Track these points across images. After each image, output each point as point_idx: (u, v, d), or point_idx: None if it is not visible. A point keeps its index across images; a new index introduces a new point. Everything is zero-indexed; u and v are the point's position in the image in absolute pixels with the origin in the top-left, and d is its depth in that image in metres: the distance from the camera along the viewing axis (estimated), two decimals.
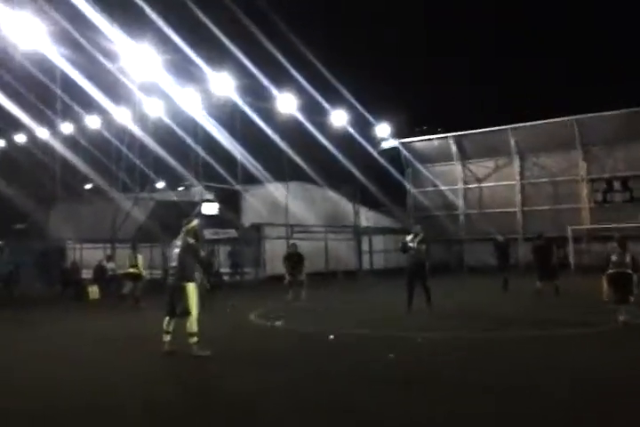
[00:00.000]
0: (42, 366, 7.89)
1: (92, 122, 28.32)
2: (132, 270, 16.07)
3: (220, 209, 26.67)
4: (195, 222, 8.61)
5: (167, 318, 8.16)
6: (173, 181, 31.07)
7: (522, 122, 31.64)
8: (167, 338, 8.11)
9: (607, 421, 4.90)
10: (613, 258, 9.85)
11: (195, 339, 7.95)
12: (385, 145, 34.25)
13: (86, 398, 5.95)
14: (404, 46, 37.58)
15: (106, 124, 27.62)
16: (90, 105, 25.41)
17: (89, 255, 25.71)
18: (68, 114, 28.53)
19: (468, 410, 5.24)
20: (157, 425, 5.13)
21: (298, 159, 28.51)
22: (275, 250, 27.23)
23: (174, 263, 8.22)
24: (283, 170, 28.53)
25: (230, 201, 26.95)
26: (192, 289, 8.07)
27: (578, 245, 29.30)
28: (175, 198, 27.49)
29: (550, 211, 30.92)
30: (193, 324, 7.96)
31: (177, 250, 8.27)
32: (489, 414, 5.12)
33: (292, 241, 21.00)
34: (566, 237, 28.63)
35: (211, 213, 26.35)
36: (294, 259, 16.00)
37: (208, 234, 24.99)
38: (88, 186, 33.00)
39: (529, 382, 6.19)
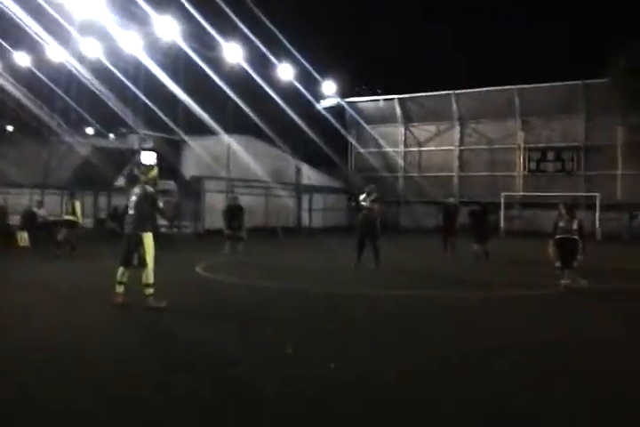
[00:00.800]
0: None
1: (23, 59, 26.34)
2: (68, 217, 15.37)
3: (159, 159, 25.87)
4: (155, 171, 8.22)
5: (122, 268, 7.84)
6: (111, 126, 29.62)
7: (466, 88, 32.09)
8: (120, 289, 7.81)
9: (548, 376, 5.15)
10: (561, 224, 10.20)
11: (150, 290, 7.70)
12: (328, 102, 33.83)
13: (39, 355, 5.57)
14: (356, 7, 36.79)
15: (39, 62, 25.76)
16: (24, 42, 23.57)
17: (13, 201, 24.35)
18: None
19: (415, 366, 5.39)
20: (118, 383, 4.93)
21: (242, 112, 27.80)
22: (215, 204, 26.78)
23: (132, 212, 7.86)
24: (226, 122, 27.75)
25: (170, 151, 26.07)
26: (149, 240, 7.78)
27: (509, 211, 30.48)
28: (112, 145, 26.29)
29: (486, 177, 31.88)
30: (149, 275, 7.70)
31: (134, 198, 7.89)
32: (432, 370, 5.27)
33: (232, 194, 20.70)
34: (499, 202, 29.70)
35: (149, 163, 25.52)
36: (234, 212, 15.76)
37: None
38: (10, 127, 30.88)
39: (498, 343, 6.42)
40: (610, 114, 27.35)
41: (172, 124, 25.14)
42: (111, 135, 30.66)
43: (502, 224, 29.76)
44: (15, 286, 10.03)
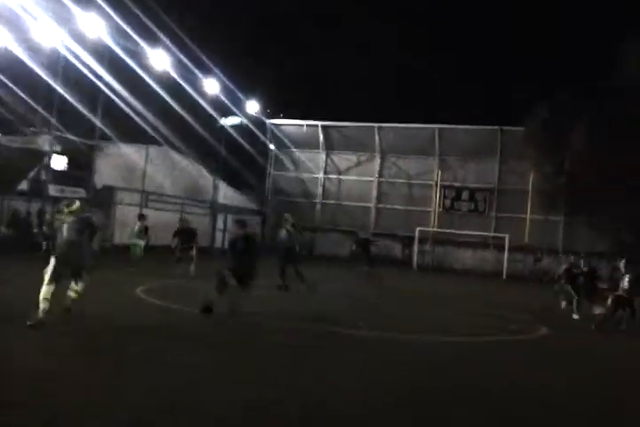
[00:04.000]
0: None
1: None
2: None
3: (69, 164, 23.93)
4: (77, 205, 7.40)
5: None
6: (15, 125, 27.09)
7: (389, 122, 32.65)
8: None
9: None
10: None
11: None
12: (231, 120, 32.27)
13: None
14: (288, 27, 36.68)
15: None
16: None
17: None
18: None
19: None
20: None
21: (163, 123, 26.54)
22: (125, 217, 25.09)
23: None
24: (144, 132, 26.28)
25: (82, 157, 24.22)
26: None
27: (422, 246, 31.03)
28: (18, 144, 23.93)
29: (402, 211, 32.35)
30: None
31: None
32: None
33: (182, 216, 20.29)
34: (413, 237, 30.19)
35: (58, 168, 23.53)
36: (186, 235, 15.40)
37: (53, 191, 22.26)
38: None
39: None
40: (523, 160, 28.67)
41: (87, 128, 23.38)
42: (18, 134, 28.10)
43: (415, 258, 30.22)
44: None
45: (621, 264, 25.23)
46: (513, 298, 18.25)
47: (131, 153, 26.11)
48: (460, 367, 6.78)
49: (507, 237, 28.71)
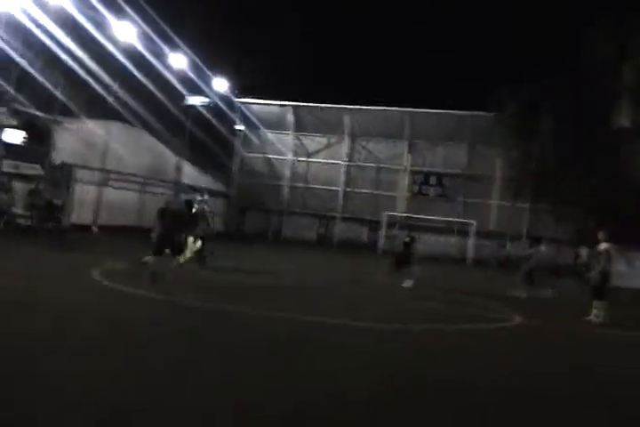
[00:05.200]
0: None
1: None
2: None
3: (25, 139, 22.81)
4: None
5: None
6: None
7: (360, 105, 32.17)
8: None
9: None
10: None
11: None
12: (196, 100, 31.07)
13: None
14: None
15: None
16: None
17: None
18: None
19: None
20: None
21: (127, 99, 25.57)
22: (84, 196, 24.20)
23: None
24: (108, 107, 25.28)
25: (39, 132, 23.13)
26: None
27: (389, 231, 30.88)
28: None
29: (371, 195, 32.09)
30: None
31: None
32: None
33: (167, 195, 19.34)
34: (380, 221, 30.00)
35: (13, 142, 22.40)
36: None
37: (6, 167, 21.23)
38: None
39: None
40: (491, 146, 28.62)
41: (47, 101, 22.30)
42: None
43: (381, 243, 30.08)
44: None
45: (583, 250, 25.49)
46: (480, 284, 18.22)
47: (92, 129, 25.08)
48: (446, 360, 6.50)
49: (473, 223, 28.74)
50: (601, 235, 11.64)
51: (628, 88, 24.56)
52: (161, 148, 29.56)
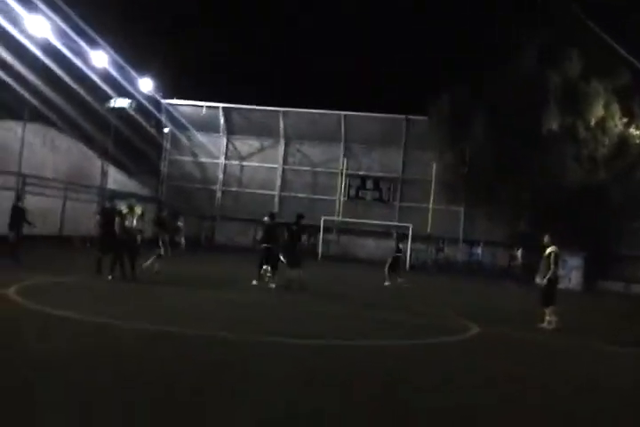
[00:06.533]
0: None
1: None
2: None
3: None
4: None
5: None
6: None
7: (294, 107, 31.44)
8: None
9: None
10: None
11: None
12: (119, 103, 29.12)
13: None
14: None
15: None
16: None
17: None
18: None
19: None
20: None
21: (44, 99, 23.73)
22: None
23: None
24: (23, 107, 23.36)
25: None
26: None
27: (327, 235, 30.32)
28: None
29: (307, 199, 31.38)
30: None
31: None
32: None
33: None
34: (318, 226, 29.31)
35: None
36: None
37: None
38: None
39: None
40: (426, 150, 28.54)
41: None
42: None
43: (320, 248, 29.44)
44: None
45: (518, 253, 25.89)
46: (423, 290, 17.87)
47: (5, 130, 23.11)
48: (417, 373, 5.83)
49: (410, 226, 28.54)
50: (546, 238, 11.45)
51: (554, 93, 25.13)
52: (83, 151, 27.71)
